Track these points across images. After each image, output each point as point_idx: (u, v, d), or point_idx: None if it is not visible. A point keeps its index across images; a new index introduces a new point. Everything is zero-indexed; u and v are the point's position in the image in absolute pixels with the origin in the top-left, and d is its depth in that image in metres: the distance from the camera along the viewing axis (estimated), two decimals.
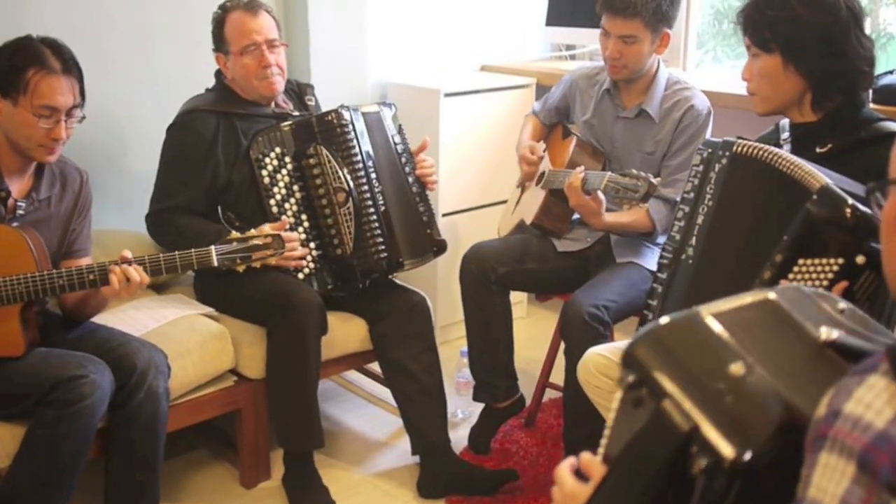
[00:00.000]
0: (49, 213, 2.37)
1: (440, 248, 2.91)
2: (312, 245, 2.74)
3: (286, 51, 2.83)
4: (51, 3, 2.90)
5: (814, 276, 1.71)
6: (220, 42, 2.78)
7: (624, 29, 2.64)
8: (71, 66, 2.25)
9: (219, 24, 2.77)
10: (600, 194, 2.53)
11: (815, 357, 1.03)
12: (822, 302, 1.12)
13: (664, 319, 1.06)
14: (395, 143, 2.89)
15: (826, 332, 1.03)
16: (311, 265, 2.74)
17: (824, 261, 1.71)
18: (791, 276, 1.74)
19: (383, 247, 2.73)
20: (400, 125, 2.94)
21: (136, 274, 2.23)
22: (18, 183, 2.32)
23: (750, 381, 0.97)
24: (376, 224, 2.74)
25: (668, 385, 0.99)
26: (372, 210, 2.74)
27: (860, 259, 1.66)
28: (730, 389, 0.96)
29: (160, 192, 2.78)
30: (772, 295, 1.09)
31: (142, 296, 2.72)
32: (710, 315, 1.04)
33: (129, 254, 2.26)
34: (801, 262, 1.73)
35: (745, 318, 1.06)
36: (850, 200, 1.69)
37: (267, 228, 2.54)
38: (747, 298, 1.09)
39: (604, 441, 1.10)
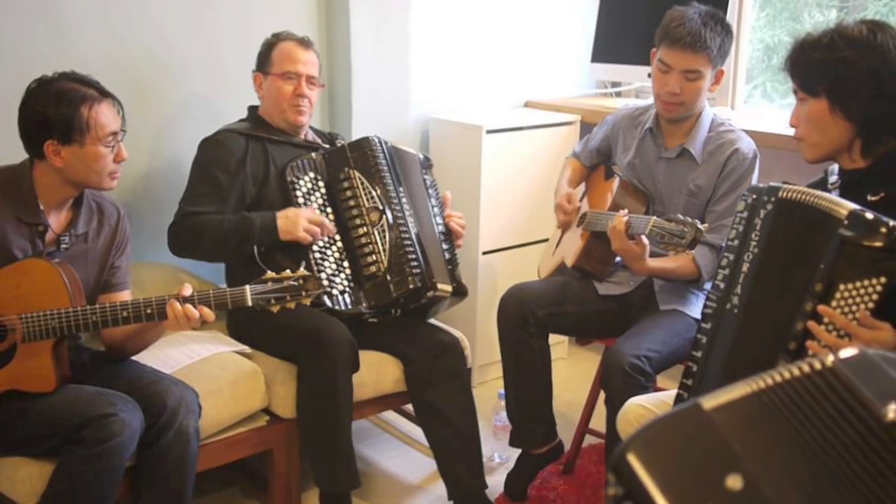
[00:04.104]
0: (86, 248, 2.36)
1: (460, 288, 2.86)
2: (346, 264, 2.73)
3: (325, 92, 2.87)
4: (93, 39, 2.93)
5: (857, 300, 1.64)
6: (263, 62, 2.85)
7: (690, 63, 2.57)
8: (103, 90, 2.30)
9: (269, 47, 2.85)
10: (644, 238, 2.45)
11: (875, 444, 0.88)
12: (891, 370, 0.94)
13: (661, 417, 0.95)
14: (427, 184, 2.95)
15: (894, 412, 0.88)
16: (345, 282, 2.71)
17: (866, 282, 1.63)
18: (834, 303, 1.67)
19: (416, 262, 2.71)
20: (434, 180, 3.00)
21: (195, 311, 2.21)
22: (57, 218, 2.32)
23: (747, 499, 0.85)
24: (409, 241, 2.73)
25: (658, 501, 0.87)
26: (404, 228, 2.74)
27: None
28: None
29: (187, 201, 2.74)
30: (831, 362, 0.94)
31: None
32: (714, 408, 0.92)
33: (188, 290, 2.24)
34: (841, 287, 1.66)
35: (766, 404, 0.93)
36: (886, 219, 1.62)
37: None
38: (786, 373, 0.95)
39: None
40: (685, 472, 0.89)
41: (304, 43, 2.85)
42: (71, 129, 2.21)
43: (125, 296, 2.45)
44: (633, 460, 0.90)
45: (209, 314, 2.23)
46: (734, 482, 0.87)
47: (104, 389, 2.25)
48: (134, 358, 2.46)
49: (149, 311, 2.22)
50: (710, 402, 0.93)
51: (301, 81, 2.80)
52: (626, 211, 2.52)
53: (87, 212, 2.38)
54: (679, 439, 0.92)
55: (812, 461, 0.90)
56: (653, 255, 2.56)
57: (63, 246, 2.29)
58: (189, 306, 2.21)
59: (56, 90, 2.24)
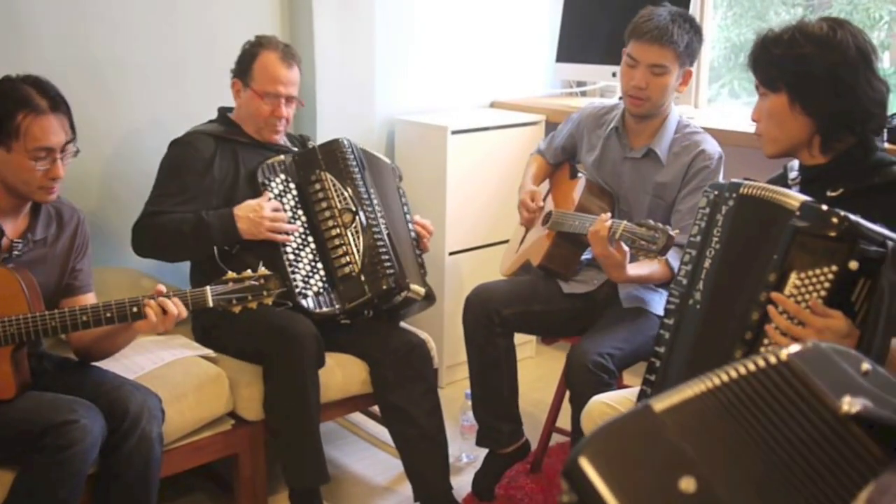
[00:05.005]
0: (45, 253, 2.33)
1: (428, 294, 2.85)
2: (320, 265, 2.72)
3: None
4: (53, 39, 2.89)
5: (810, 288, 1.65)
6: (244, 72, 2.78)
7: (656, 57, 2.58)
8: (58, 103, 2.22)
9: (251, 56, 2.77)
10: (624, 246, 2.40)
11: (830, 436, 0.88)
12: (843, 362, 0.95)
13: (613, 421, 0.94)
14: (400, 192, 2.95)
15: (848, 404, 0.88)
16: (320, 283, 2.70)
17: (818, 271, 1.64)
18: (787, 291, 1.68)
19: (389, 263, 2.70)
20: (404, 191, 3.00)
21: (174, 306, 2.20)
22: (13, 223, 2.29)
23: (701, 501, 0.85)
24: (382, 242, 2.72)
25: None
26: (377, 229, 2.74)
27: (853, 264, 1.60)
28: None
29: (151, 201, 2.72)
30: (786, 356, 0.94)
31: (143, 337, 2.67)
32: (664, 410, 0.91)
33: (163, 288, 2.24)
34: (794, 276, 1.67)
35: (718, 402, 0.92)
36: (838, 210, 1.63)
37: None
38: (740, 368, 0.94)
39: None
40: (639, 477, 0.88)
41: (287, 57, 2.77)
42: (1, 129, 2.16)
43: (89, 298, 2.42)
44: (586, 466, 0.89)
45: (182, 309, 2.23)
46: (688, 484, 0.86)
47: (65, 396, 2.21)
48: (97, 363, 2.43)
49: (108, 314, 2.19)
50: (660, 403, 0.93)
51: (280, 102, 2.76)
52: (608, 215, 2.46)
53: (46, 217, 2.34)
54: (631, 443, 0.91)
55: (767, 459, 0.89)
56: None
57: (15, 252, 2.25)
58: (165, 300, 2.20)
59: (5, 89, 2.20)
